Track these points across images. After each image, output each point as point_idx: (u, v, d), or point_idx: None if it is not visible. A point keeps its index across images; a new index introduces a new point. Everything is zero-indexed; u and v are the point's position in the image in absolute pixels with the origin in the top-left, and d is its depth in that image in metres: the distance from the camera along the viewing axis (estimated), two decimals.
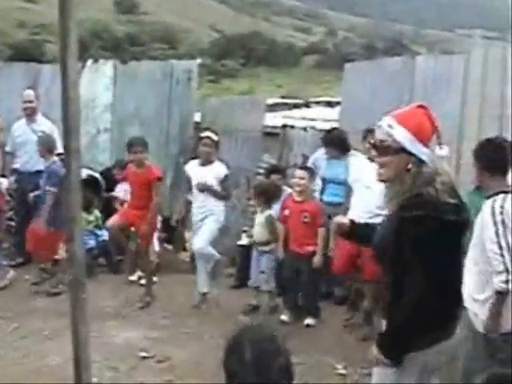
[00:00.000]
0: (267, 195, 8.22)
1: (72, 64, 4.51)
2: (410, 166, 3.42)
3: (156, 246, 9.42)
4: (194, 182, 8.37)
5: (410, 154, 3.41)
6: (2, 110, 11.43)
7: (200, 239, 8.31)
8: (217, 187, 8.27)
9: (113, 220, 8.56)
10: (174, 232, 10.71)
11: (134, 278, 9.38)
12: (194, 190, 8.36)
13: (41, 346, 7.13)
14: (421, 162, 3.42)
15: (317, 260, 7.75)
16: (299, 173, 7.96)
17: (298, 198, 7.90)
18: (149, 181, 8.33)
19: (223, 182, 8.31)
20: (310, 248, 7.79)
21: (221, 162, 8.40)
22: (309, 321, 7.82)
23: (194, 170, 8.42)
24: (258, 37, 73.47)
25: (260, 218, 8.23)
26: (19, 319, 7.76)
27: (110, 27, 62.74)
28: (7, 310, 8.08)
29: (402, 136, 3.41)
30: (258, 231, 8.22)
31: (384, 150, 3.48)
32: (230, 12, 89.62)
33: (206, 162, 8.31)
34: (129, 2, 74.10)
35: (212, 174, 8.26)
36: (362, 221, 7.33)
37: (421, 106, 3.56)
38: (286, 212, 7.97)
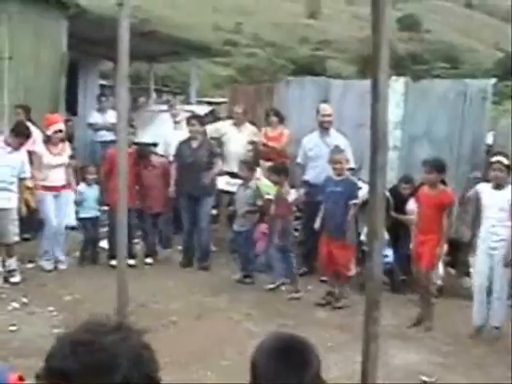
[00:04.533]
0: None
1: (383, 80, 4.46)
2: None
3: (440, 269, 9.21)
4: (484, 205, 8.08)
5: None
6: (292, 122, 11.77)
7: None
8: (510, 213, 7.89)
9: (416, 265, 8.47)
10: (458, 256, 10.37)
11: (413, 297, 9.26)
12: (486, 214, 8.05)
13: (323, 357, 7.14)
14: None
15: None
16: None
17: None
18: (442, 204, 8.14)
19: None
20: None
21: None
22: None
23: (486, 193, 8.11)
24: None
25: None
26: (302, 328, 7.85)
27: (393, 44, 62.78)
28: (291, 318, 8.26)
29: None
30: None
31: None
32: None
33: (499, 186, 7.98)
34: (412, 19, 73.61)
35: (505, 198, 7.90)
36: None
37: None
38: None
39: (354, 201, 8.84)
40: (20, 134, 9.36)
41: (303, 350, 2.25)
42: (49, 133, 10.08)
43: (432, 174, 8.19)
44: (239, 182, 10.31)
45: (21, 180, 9.42)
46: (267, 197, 9.66)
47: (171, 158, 10.93)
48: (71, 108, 15.51)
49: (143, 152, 10.76)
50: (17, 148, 9.31)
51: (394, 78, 11.39)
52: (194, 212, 10.51)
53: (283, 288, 9.39)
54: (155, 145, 11.33)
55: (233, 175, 10.87)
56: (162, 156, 11.24)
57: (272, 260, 9.45)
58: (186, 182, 10.43)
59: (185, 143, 10.67)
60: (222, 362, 6.87)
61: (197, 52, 18.41)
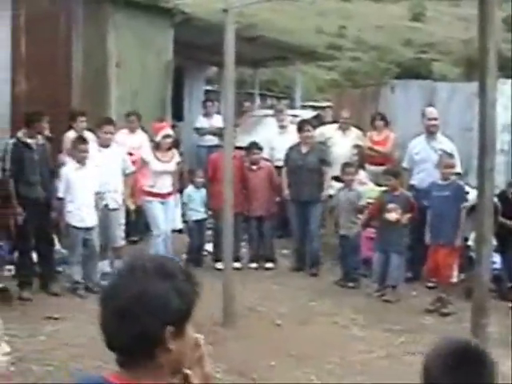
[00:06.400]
0: None
1: (491, 83, 4.40)
2: None
3: None
4: None
5: None
6: (398, 126, 11.67)
7: None
8: None
9: None
10: None
11: None
12: None
13: None
14: None
15: None
16: None
17: None
18: None
19: None
20: None
21: None
22: None
23: None
24: None
25: None
26: (407, 334, 7.79)
27: (498, 45, 61.34)
28: (397, 323, 8.19)
29: None
30: None
31: None
32: None
33: None
34: None
35: None
36: None
37: None
38: None
39: (464, 204, 8.72)
40: (105, 128, 9.57)
41: (480, 361, 2.21)
42: (158, 139, 10.17)
43: None
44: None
45: (126, 176, 9.70)
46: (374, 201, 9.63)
47: (276, 163, 10.99)
48: (177, 114, 15.76)
49: (250, 153, 10.86)
50: (108, 143, 9.57)
51: (501, 80, 11.16)
52: (303, 217, 10.54)
53: (389, 292, 9.30)
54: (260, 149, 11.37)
55: (338, 179, 10.84)
56: (267, 160, 11.24)
57: (386, 264, 9.26)
58: (296, 187, 10.49)
59: (294, 148, 10.71)
60: (326, 365, 6.87)
61: (301, 56, 18.47)
